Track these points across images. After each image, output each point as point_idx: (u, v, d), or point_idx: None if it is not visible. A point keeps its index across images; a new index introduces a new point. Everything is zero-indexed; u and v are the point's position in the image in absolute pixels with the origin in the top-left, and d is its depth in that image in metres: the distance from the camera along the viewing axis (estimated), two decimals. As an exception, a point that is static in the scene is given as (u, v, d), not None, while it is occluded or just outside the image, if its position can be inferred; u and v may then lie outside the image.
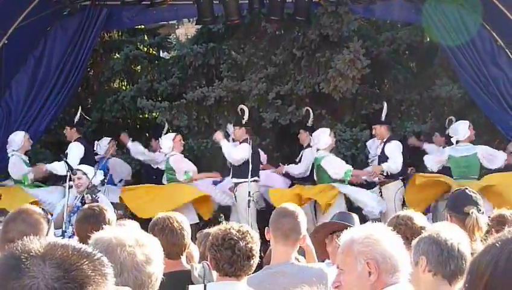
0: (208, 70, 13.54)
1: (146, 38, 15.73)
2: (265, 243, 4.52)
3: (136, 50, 14.63)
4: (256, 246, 3.67)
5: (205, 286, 3.59)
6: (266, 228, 4.27)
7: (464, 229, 4.17)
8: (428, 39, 13.29)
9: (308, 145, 11.18)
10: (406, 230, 3.93)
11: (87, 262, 1.46)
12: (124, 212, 10.34)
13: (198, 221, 10.42)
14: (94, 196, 8.09)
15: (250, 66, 13.02)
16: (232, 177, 10.72)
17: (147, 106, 12.85)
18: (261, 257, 3.92)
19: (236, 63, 13.11)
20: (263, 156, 11.27)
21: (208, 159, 11.44)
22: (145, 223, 4.66)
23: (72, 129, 11.30)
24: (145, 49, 15.50)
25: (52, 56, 11.77)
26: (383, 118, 10.85)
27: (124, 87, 14.95)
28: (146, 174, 12.18)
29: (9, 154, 10.97)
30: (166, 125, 12.05)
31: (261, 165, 10.96)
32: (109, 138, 12.04)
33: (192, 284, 3.89)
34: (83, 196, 8.26)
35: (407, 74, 13.53)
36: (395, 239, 2.82)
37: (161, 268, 2.36)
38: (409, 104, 12.58)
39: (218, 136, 10.78)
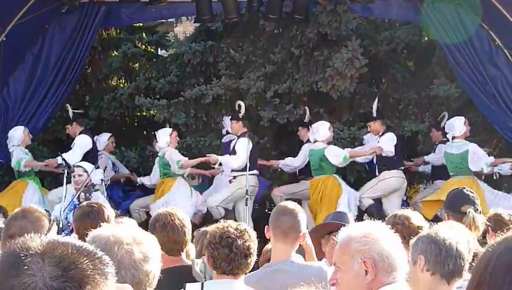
0: (206, 69, 13.53)
1: (144, 36, 15.70)
2: (261, 242, 4.52)
3: (134, 48, 14.60)
4: (254, 244, 3.67)
5: (203, 284, 3.59)
6: (266, 226, 4.26)
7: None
8: (426, 38, 13.29)
9: (308, 141, 11.25)
10: (403, 229, 3.94)
11: (87, 261, 1.45)
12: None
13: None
14: (88, 195, 8.08)
15: (248, 64, 13.01)
16: (231, 171, 10.79)
17: (144, 103, 12.84)
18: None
19: (234, 61, 13.09)
20: None
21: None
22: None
23: (72, 125, 11.34)
24: (143, 47, 15.47)
25: (50, 53, 11.76)
26: (374, 114, 10.95)
27: (122, 85, 14.92)
28: (144, 173, 12.23)
29: (10, 150, 11.01)
30: (168, 125, 12.03)
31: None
32: (109, 134, 12.07)
33: (193, 279, 3.89)
34: (79, 195, 8.24)
35: (405, 73, 13.54)
36: (393, 238, 2.81)
37: (158, 266, 2.36)
38: (407, 103, 12.59)
39: (213, 158, 10.74)
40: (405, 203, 11.24)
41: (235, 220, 4.85)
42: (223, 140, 11.75)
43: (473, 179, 10.37)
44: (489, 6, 10.72)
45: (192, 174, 11.94)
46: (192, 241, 5.11)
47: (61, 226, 7.90)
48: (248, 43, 13.28)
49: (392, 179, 10.79)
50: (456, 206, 4.63)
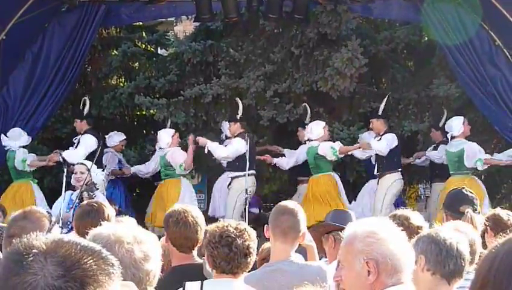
0: (205, 68, 13.52)
1: (144, 35, 15.68)
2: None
3: (134, 47, 14.58)
4: (253, 243, 3.67)
5: (202, 283, 3.59)
6: (265, 225, 4.26)
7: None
8: (426, 38, 13.28)
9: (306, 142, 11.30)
10: (403, 230, 3.92)
11: (91, 261, 1.44)
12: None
13: None
14: (91, 194, 8.07)
15: (248, 63, 13.00)
16: (227, 171, 10.82)
17: (144, 102, 12.82)
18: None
19: (234, 61, 13.08)
20: None
21: (205, 156, 11.43)
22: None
23: (82, 121, 11.36)
24: (143, 46, 15.45)
25: (50, 52, 11.75)
26: (380, 112, 10.96)
27: (121, 84, 14.90)
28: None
29: (13, 148, 11.02)
30: (169, 123, 12.02)
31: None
32: (123, 136, 12.09)
33: (204, 278, 3.89)
34: (81, 193, 8.23)
35: (405, 72, 13.53)
36: (399, 238, 2.76)
37: (159, 265, 2.36)
38: (407, 103, 12.58)
39: (201, 141, 10.81)
40: (401, 202, 11.26)
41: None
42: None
43: (471, 178, 10.41)
44: (489, 6, 10.72)
45: (191, 173, 11.99)
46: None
47: (60, 224, 7.91)
48: (248, 42, 13.27)
49: (395, 184, 10.76)
50: (455, 206, 4.63)
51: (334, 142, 11.18)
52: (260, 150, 11.77)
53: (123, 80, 15.09)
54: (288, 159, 11.59)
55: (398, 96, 12.60)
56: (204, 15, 11.84)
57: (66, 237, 1.50)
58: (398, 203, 10.94)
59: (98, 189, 8.69)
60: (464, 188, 4.95)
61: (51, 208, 9.20)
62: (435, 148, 11.43)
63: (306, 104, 11.86)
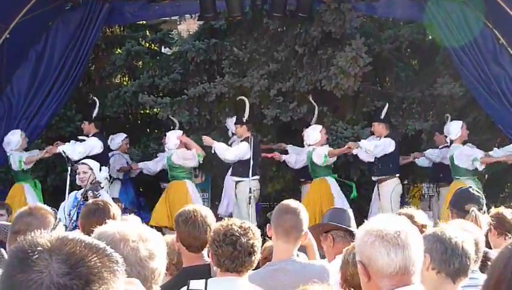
0: (209, 67, 13.54)
1: (148, 33, 15.70)
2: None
3: (138, 45, 14.60)
4: (258, 242, 3.67)
5: (206, 282, 3.59)
6: (268, 224, 4.25)
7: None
8: (430, 37, 13.26)
9: None
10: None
11: (95, 258, 1.45)
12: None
13: None
14: (96, 193, 8.07)
15: (252, 62, 13.00)
16: (231, 175, 10.82)
17: (148, 101, 12.84)
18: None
19: (238, 60, 13.09)
20: None
21: (208, 155, 11.43)
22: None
23: (90, 124, 11.38)
24: (147, 44, 15.47)
25: (53, 51, 11.76)
26: (382, 116, 10.96)
27: (125, 83, 14.93)
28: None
29: (8, 153, 11.05)
30: (177, 123, 12.02)
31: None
32: (124, 135, 12.12)
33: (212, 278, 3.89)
34: (86, 192, 8.23)
35: (409, 71, 13.52)
36: (401, 240, 2.64)
37: (164, 263, 2.35)
38: (411, 102, 12.56)
39: (207, 140, 10.85)
40: (402, 203, 11.28)
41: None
42: (229, 142, 11.71)
43: (473, 182, 10.39)
44: (493, 4, 10.70)
45: (195, 173, 12.00)
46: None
47: (64, 223, 7.92)
48: (252, 41, 13.28)
49: (394, 192, 10.78)
50: (461, 204, 4.63)
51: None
52: (264, 148, 11.79)
53: (127, 78, 15.12)
54: (297, 157, 11.61)
55: (402, 95, 12.59)
56: (208, 14, 11.85)
57: (70, 234, 1.50)
58: (400, 203, 10.95)
59: (102, 188, 8.69)
60: (470, 187, 4.96)
61: (52, 207, 9.20)
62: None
63: (315, 104, 11.85)
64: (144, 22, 15.07)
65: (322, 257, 4.87)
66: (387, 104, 11.21)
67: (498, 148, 10.94)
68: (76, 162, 9.45)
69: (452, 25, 11.12)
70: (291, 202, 4.36)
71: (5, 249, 3.69)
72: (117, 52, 14.91)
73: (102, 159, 10.43)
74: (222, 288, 3.57)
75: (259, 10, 12.72)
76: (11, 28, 11.18)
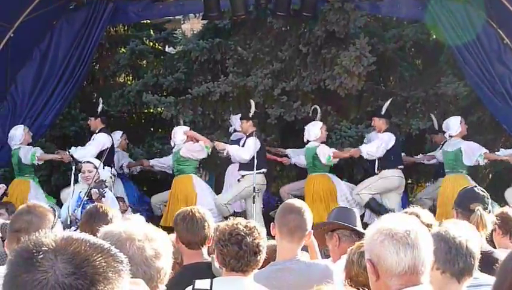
0: (213, 66, 13.53)
1: (152, 33, 15.70)
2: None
3: (142, 45, 14.60)
4: (263, 241, 3.66)
5: (212, 281, 3.59)
6: (272, 223, 4.25)
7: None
8: (434, 36, 13.25)
9: None
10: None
11: (100, 258, 1.44)
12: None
13: None
14: (102, 191, 8.07)
15: (256, 61, 13.00)
16: (239, 170, 10.89)
17: (152, 100, 12.83)
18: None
19: (242, 59, 13.08)
20: None
21: (212, 154, 11.45)
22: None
23: (97, 120, 11.39)
24: (151, 43, 15.47)
25: (58, 50, 11.79)
26: (383, 112, 10.99)
27: (129, 82, 14.94)
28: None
29: (13, 148, 11.06)
30: (181, 121, 12.04)
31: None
32: (121, 132, 12.15)
33: (214, 275, 3.89)
34: (90, 191, 8.24)
35: (413, 71, 13.52)
36: (411, 239, 2.63)
37: (170, 263, 2.35)
38: (415, 101, 12.54)
39: (219, 146, 10.91)
40: (406, 200, 11.28)
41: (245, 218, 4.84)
42: (231, 138, 11.78)
43: (464, 177, 10.45)
44: (497, 4, 10.69)
45: (199, 171, 12.03)
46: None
47: (68, 222, 7.93)
48: (256, 40, 13.27)
49: (391, 178, 10.85)
50: (466, 203, 4.62)
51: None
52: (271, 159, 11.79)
53: (131, 78, 15.13)
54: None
55: (406, 95, 12.57)
56: (212, 13, 11.85)
57: (75, 234, 1.50)
58: (404, 202, 10.96)
59: (107, 186, 8.69)
60: (476, 186, 4.94)
61: (58, 205, 9.22)
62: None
63: (317, 107, 11.85)
64: (148, 21, 15.08)
65: (327, 256, 4.87)
66: (389, 100, 11.23)
67: (502, 147, 10.94)
68: (80, 161, 9.46)
69: (456, 24, 11.11)
70: (296, 202, 4.36)
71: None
72: (121, 51, 14.93)
73: (110, 155, 10.47)
74: (228, 287, 3.57)
75: (264, 9, 12.73)
76: (15, 28, 11.20)
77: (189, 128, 11.42)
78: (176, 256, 4.20)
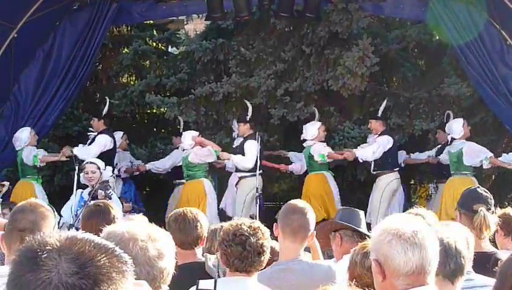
0: (216, 66, 13.54)
1: (155, 33, 15.71)
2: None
3: (145, 45, 14.62)
4: (267, 242, 3.67)
5: (216, 281, 3.59)
6: (274, 223, 4.26)
7: (472, 227, 4.17)
8: (437, 37, 13.24)
9: None
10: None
11: (104, 258, 1.45)
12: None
13: None
14: (107, 192, 8.07)
15: (258, 62, 13.00)
16: (236, 172, 10.87)
17: (155, 101, 12.84)
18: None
19: (245, 59, 13.09)
20: None
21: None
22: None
23: (100, 121, 11.38)
24: (154, 44, 15.48)
25: (61, 50, 11.79)
26: (379, 114, 10.99)
27: (132, 82, 14.95)
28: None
29: (17, 148, 11.07)
30: (182, 122, 12.04)
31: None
32: (121, 132, 12.15)
33: (206, 275, 3.90)
34: (95, 192, 8.24)
35: (416, 71, 13.51)
36: (418, 240, 2.63)
37: (173, 263, 2.35)
38: (418, 102, 12.54)
39: (224, 155, 10.89)
40: (406, 201, 11.25)
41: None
42: (235, 143, 11.69)
43: (470, 179, 10.40)
44: (500, 5, 10.68)
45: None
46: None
47: (71, 222, 7.94)
48: (259, 41, 13.27)
49: (390, 185, 10.81)
50: (469, 204, 4.61)
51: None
52: (266, 155, 11.73)
53: (134, 78, 15.14)
54: (301, 164, 11.63)
55: (409, 96, 12.57)
56: (215, 13, 11.85)
57: (79, 234, 1.50)
58: (402, 202, 10.94)
59: (111, 187, 8.70)
60: (478, 187, 4.92)
61: (60, 206, 9.23)
62: (440, 149, 11.41)
63: (315, 109, 11.85)
64: (151, 21, 15.08)
65: (330, 257, 4.87)
66: (385, 101, 11.24)
67: (505, 148, 10.93)
68: (82, 161, 9.47)
69: (459, 25, 11.09)
70: (299, 202, 4.37)
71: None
72: (124, 51, 14.94)
73: (112, 156, 10.46)
74: (231, 288, 3.56)
75: (267, 10, 12.72)
76: (18, 28, 11.21)
77: (198, 132, 11.37)
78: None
